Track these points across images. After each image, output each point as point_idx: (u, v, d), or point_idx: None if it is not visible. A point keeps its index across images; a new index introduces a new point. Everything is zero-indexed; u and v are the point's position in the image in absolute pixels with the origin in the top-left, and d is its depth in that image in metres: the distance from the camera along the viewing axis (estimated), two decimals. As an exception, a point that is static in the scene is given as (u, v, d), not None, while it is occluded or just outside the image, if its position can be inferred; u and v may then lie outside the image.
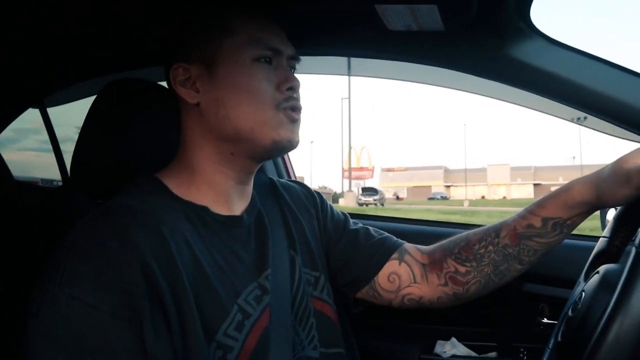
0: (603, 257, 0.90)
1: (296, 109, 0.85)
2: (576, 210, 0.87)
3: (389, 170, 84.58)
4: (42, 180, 2.25)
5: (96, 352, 0.65)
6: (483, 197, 69.98)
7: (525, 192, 70.86)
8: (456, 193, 74.36)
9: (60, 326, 0.66)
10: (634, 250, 0.66)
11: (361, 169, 57.60)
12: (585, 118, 1.10)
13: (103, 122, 0.90)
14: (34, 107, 1.59)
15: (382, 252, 1.00)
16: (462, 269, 0.95)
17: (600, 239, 0.94)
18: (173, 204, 0.81)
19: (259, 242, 0.88)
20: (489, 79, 1.08)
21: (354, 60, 1.27)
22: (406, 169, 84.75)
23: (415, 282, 0.99)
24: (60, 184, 1.84)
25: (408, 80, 1.34)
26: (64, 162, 1.74)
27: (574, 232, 0.93)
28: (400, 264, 0.99)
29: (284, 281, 0.88)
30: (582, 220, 0.89)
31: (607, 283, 0.77)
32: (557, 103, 1.05)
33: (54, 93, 1.53)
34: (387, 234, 1.05)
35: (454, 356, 1.41)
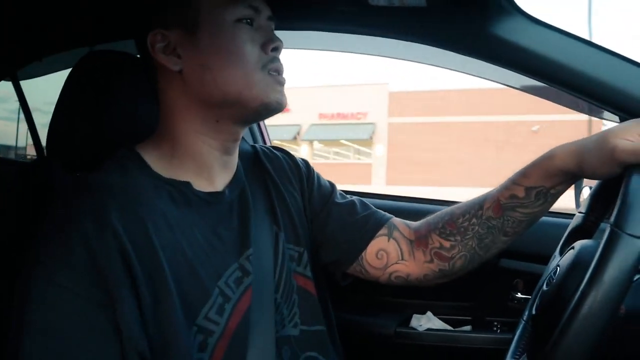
0: (578, 232, 0.92)
1: (280, 71, 0.83)
2: (558, 178, 0.83)
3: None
4: (16, 154, 2.21)
5: (72, 337, 0.65)
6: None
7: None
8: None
9: (40, 312, 0.65)
10: (608, 228, 0.67)
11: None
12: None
13: (81, 93, 0.88)
14: (6, 80, 1.55)
15: (368, 229, 0.97)
16: (447, 244, 0.93)
17: (576, 214, 0.95)
18: (153, 181, 0.78)
19: (241, 218, 0.86)
20: (469, 56, 1.08)
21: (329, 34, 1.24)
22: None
23: (402, 259, 0.96)
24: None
25: (388, 57, 1.33)
26: (39, 136, 1.71)
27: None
28: (389, 241, 0.97)
29: (267, 260, 0.86)
30: (565, 189, 0.86)
31: (581, 258, 0.78)
32: (536, 81, 1.06)
33: (26, 66, 1.48)
34: (374, 208, 1.02)
35: (429, 329, 1.42)
